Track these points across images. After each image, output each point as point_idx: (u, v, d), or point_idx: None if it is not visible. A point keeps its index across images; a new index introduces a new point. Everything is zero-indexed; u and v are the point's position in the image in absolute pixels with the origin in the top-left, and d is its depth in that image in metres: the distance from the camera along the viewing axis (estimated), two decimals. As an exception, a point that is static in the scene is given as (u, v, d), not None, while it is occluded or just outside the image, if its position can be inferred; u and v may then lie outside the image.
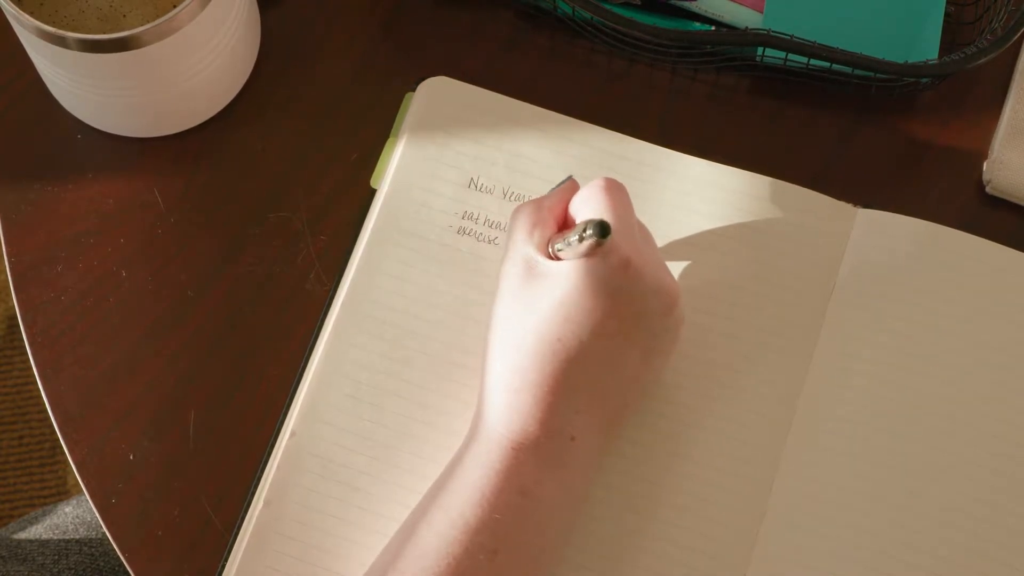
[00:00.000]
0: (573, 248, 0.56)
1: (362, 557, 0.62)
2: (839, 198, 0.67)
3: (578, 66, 0.72)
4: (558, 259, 0.58)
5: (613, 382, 0.59)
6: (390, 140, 0.69)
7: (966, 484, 0.63)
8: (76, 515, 0.86)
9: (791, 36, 0.67)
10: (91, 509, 0.80)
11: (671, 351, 0.62)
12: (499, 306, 0.59)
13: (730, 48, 0.69)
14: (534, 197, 0.65)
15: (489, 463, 0.57)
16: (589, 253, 0.56)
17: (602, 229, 0.54)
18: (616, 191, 0.59)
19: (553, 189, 0.62)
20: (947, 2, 0.72)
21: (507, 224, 0.67)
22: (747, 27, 0.70)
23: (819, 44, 0.67)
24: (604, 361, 0.58)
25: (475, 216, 0.67)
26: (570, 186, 0.62)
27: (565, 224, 0.61)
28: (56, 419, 0.65)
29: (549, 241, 0.59)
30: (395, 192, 0.67)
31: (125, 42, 0.60)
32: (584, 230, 0.54)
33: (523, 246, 0.59)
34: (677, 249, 0.66)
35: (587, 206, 0.59)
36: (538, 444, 0.57)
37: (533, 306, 0.57)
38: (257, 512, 0.62)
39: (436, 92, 0.69)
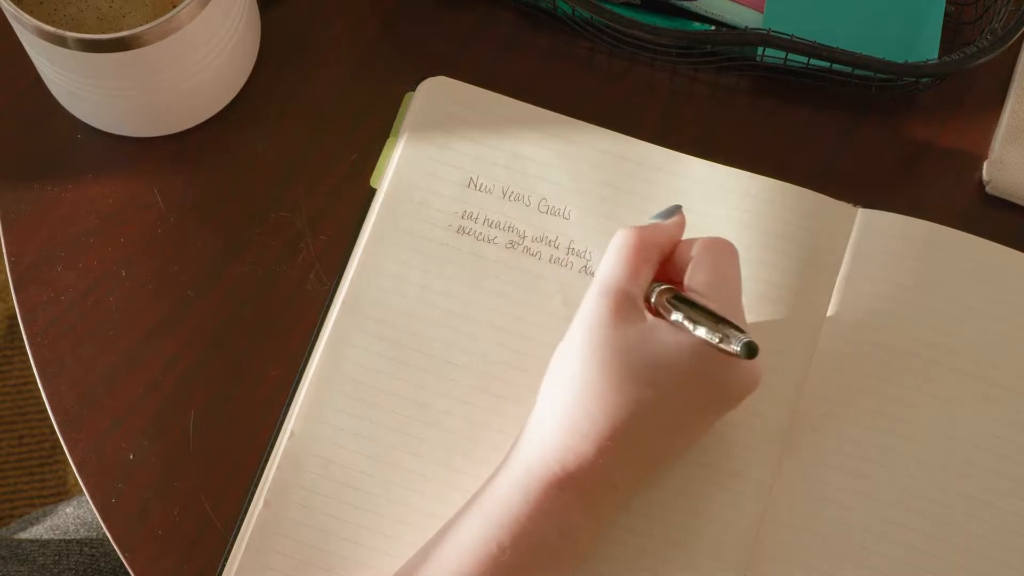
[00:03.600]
0: (698, 334, 0.55)
1: (362, 557, 0.62)
2: (839, 198, 0.67)
3: (578, 66, 0.72)
4: (657, 312, 0.57)
5: (668, 441, 0.58)
6: (390, 140, 0.69)
7: (966, 484, 0.63)
8: (77, 515, 0.86)
9: (791, 36, 0.67)
10: (92, 509, 0.80)
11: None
12: (581, 335, 0.57)
13: (730, 48, 0.69)
14: (638, 224, 0.61)
15: (535, 499, 0.56)
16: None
17: (750, 351, 0.53)
18: (736, 262, 0.59)
19: (659, 219, 0.61)
20: (947, 2, 0.72)
21: (508, 224, 0.67)
22: (747, 27, 0.70)
23: (819, 44, 0.67)
24: (670, 426, 0.58)
25: (475, 216, 0.67)
26: (680, 222, 0.61)
27: (670, 262, 0.60)
28: (56, 419, 0.65)
29: (655, 286, 0.58)
30: (395, 192, 0.67)
31: (125, 42, 0.60)
32: (729, 339, 0.54)
33: (626, 283, 0.58)
34: (677, 249, 0.66)
35: (703, 271, 0.58)
36: (586, 489, 0.57)
37: (622, 357, 0.56)
38: (257, 512, 0.62)
39: (436, 92, 0.69)
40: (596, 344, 0.57)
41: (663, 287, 0.58)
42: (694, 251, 0.59)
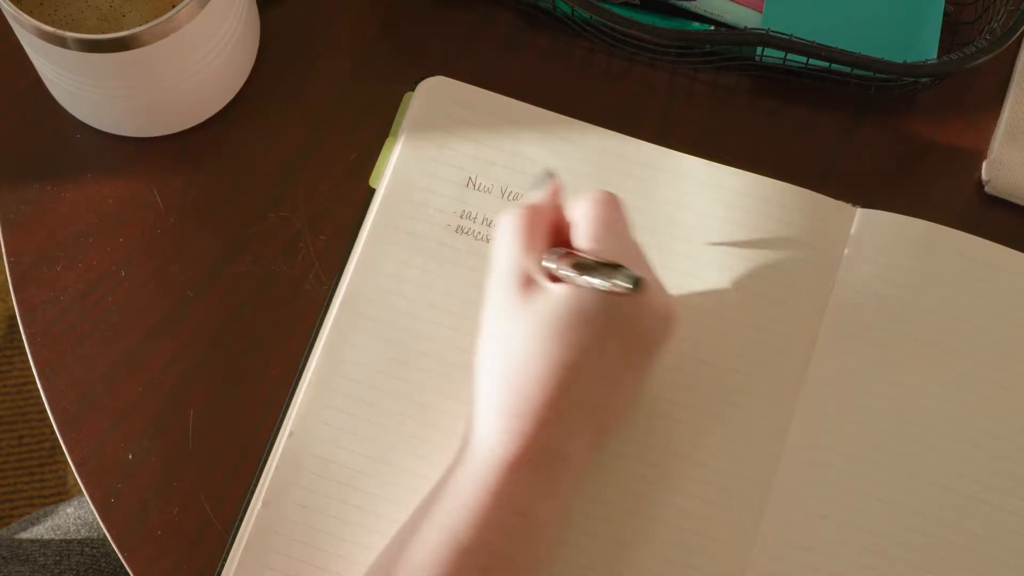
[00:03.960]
0: (589, 283, 0.56)
1: (360, 557, 0.62)
2: (839, 198, 0.67)
3: (578, 66, 0.72)
4: (555, 278, 0.58)
5: (608, 401, 0.59)
6: (389, 140, 0.69)
7: (967, 484, 0.63)
8: (78, 516, 0.86)
9: (790, 36, 0.67)
10: (92, 509, 0.80)
11: (659, 362, 0.62)
12: (494, 323, 0.58)
13: (729, 48, 0.69)
14: (526, 201, 0.63)
15: (485, 484, 0.56)
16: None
17: (636, 283, 0.54)
18: (619, 210, 0.59)
19: (537, 188, 0.62)
20: (947, 2, 0.72)
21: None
22: (746, 27, 0.70)
23: (818, 44, 0.67)
24: (603, 384, 0.58)
25: (473, 215, 0.67)
26: (555, 187, 0.61)
27: (558, 230, 0.60)
28: (55, 419, 0.65)
29: (545, 254, 0.58)
30: (394, 191, 0.67)
31: (124, 42, 0.60)
32: (614, 278, 0.54)
33: (521, 258, 0.58)
34: (676, 249, 0.66)
35: (588, 225, 0.58)
36: (535, 465, 0.57)
37: (536, 329, 0.57)
38: (256, 512, 0.62)
39: (435, 92, 0.69)
40: (509, 326, 0.57)
41: (554, 252, 0.58)
42: (577, 211, 0.59)
